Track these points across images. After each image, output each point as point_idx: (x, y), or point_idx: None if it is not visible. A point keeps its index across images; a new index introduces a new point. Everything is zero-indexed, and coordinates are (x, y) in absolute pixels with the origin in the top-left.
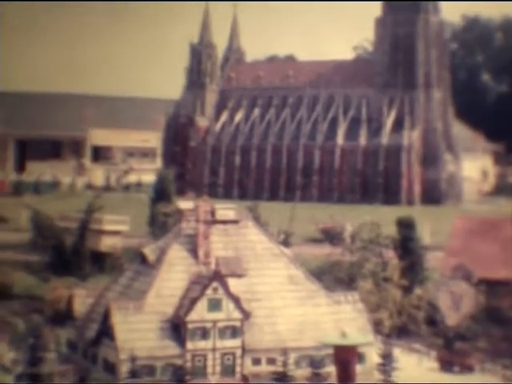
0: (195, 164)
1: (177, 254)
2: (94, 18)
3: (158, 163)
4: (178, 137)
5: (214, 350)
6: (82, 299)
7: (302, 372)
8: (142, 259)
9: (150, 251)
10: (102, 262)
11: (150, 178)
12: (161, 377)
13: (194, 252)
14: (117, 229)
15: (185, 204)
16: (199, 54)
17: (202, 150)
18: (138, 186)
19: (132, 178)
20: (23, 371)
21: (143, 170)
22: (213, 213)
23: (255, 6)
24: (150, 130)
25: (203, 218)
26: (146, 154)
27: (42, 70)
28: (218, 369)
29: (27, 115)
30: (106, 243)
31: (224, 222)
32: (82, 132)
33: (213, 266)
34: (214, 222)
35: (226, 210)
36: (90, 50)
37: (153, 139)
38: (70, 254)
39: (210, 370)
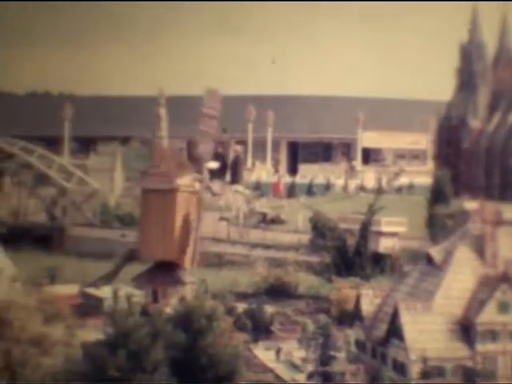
0: (469, 166)
1: (464, 255)
2: (348, 19)
3: (429, 165)
4: (450, 138)
5: (504, 353)
6: (369, 299)
7: None
8: (429, 260)
9: (436, 252)
10: (381, 263)
11: (421, 180)
12: (451, 378)
13: (480, 253)
14: (395, 230)
15: (470, 205)
16: (469, 55)
17: (475, 152)
18: (410, 187)
19: (403, 180)
20: (315, 369)
21: (414, 172)
22: (498, 214)
23: None
24: (420, 131)
25: (490, 219)
26: (416, 155)
27: (293, 72)
28: (509, 373)
29: (299, 118)
30: (385, 244)
31: (511, 223)
32: (352, 134)
33: (500, 268)
34: (501, 223)
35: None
36: (357, 55)
37: (423, 141)
38: (353, 254)
39: (501, 372)
